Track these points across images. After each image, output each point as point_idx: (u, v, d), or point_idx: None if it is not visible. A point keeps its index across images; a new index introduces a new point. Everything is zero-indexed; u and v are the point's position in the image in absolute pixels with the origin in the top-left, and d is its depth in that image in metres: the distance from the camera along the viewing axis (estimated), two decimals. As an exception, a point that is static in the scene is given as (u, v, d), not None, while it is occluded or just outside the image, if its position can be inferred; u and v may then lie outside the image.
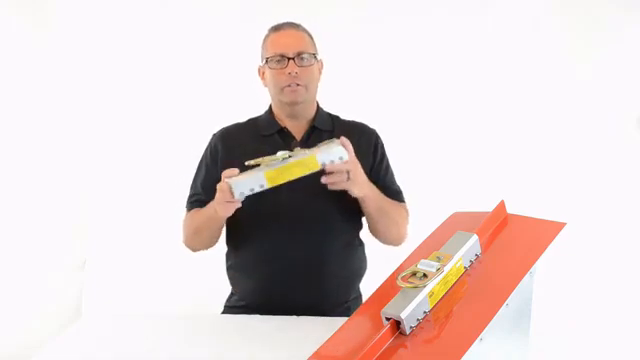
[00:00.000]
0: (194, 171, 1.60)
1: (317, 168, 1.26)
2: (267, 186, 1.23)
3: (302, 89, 1.45)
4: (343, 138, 1.31)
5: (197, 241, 1.54)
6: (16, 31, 2.24)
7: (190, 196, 1.58)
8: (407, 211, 1.59)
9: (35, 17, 2.34)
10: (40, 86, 2.35)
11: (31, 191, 2.29)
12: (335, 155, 1.26)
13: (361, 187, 1.36)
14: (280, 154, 1.24)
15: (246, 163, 1.26)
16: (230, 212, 1.31)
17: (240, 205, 1.29)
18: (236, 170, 1.27)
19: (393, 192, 1.56)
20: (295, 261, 1.44)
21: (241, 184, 1.23)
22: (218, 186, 1.29)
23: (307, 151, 1.27)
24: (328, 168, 1.27)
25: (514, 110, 2.45)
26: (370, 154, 1.53)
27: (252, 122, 1.58)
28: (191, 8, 2.42)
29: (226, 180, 1.25)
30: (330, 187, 1.31)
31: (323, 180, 1.28)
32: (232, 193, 1.23)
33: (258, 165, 1.25)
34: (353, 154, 1.31)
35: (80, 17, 2.41)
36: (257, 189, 1.23)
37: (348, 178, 1.30)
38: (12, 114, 2.21)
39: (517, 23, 2.43)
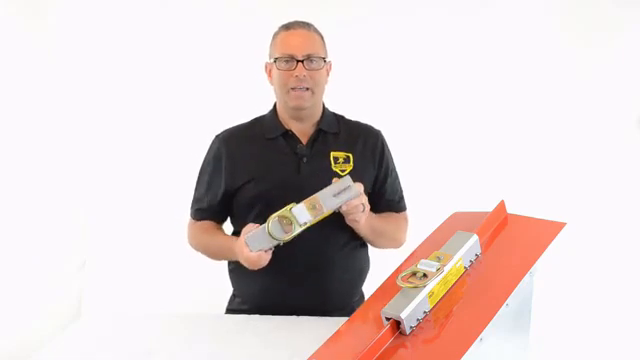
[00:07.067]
0: (195, 172, 1.57)
1: (331, 212, 1.30)
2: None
3: (308, 93, 1.44)
4: (359, 184, 1.32)
5: (207, 256, 1.55)
6: (16, 32, 2.24)
7: (195, 200, 1.56)
8: (406, 219, 1.60)
9: (34, 18, 2.33)
10: (40, 87, 2.35)
11: (31, 192, 2.28)
12: (351, 194, 1.29)
13: (366, 218, 1.38)
14: (298, 212, 1.26)
15: (272, 217, 1.26)
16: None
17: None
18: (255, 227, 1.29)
19: (394, 203, 1.57)
20: (299, 264, 1.43)
21: (265, 247, 1.28)
22: (245, 255, 1.28)
23: (320, 198, 1.28)
24: (345, 209, 1.30)
25: (514, 110, 2.45)
26: (375, 162, 1.53)
27: (256, 123, 1.55)
28: (191, 6, 2.42)
29: (254, 252, 1.27)
30: (345, 216, 1.34)
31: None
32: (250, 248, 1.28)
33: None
34: (362, 188, 1.33)
35: (79, 16, 2.41)
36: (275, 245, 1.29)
37: (363, 210, 1.34)
38: (13, 115, 2.21)
39: (517, 23, 2.43)
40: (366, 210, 1.35)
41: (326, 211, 1.28)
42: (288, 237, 1.26)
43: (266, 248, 1.27)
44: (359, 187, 1.31)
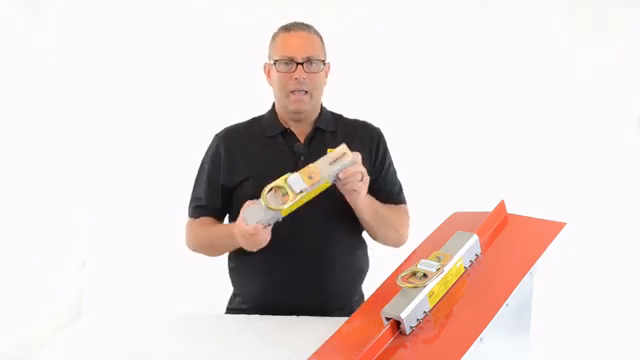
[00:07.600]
0: (195, 171, 1.58)
1: (329, 184, 1.26)
2: (282, 217, 1.24)
3: (307, 97, 1.44)
4: (356, 153, 1.27)
5: (206, 252, 1.54)
6: (16, 32, 2.24)
7: (193, 199, 1.56)
8: (407, 213, 1.59)
9: (34, 18, 2.33)
10: (40, 87, 2.35)
11: (31, 192, 2.28)
12: (347, 161, 1.25)
13: (366, 191, 1.35)
14: (294, 181, 1.21)
15: (267, 187, 1.22)
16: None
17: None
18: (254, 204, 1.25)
19: (393, 194, 1.56)
20: (299, 264, 1.43)
21: (262, 220, 1.23)
22: (242, 229, 1.25)
23: (317, 167, 1.23)
24: (342, 175, 1.25)
25: (514, 110, 2.45)
26: (371, 153, 1.52)
27: (255, 122, 1.56)
28: (191, 6, 2.42)
29: (251, 224, 1.23)
30: (343, 188, 1.29)
31: (338, 184, 1.27)
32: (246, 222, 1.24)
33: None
34: (360, 157, 1.29)
35: (79, 16, 2.41)
36: (273, 221, 1.25)
37: (361, 179, 1.29)
38: (13, 115, 2.21)
39: (517, 23, 2.43)
40: (365, 179, 1.30)
41: (323, 181, 1.23)
42: (286, 206, 1.20)
43: (264, 222, 1.23)
44: (356, 156, 1.27)
